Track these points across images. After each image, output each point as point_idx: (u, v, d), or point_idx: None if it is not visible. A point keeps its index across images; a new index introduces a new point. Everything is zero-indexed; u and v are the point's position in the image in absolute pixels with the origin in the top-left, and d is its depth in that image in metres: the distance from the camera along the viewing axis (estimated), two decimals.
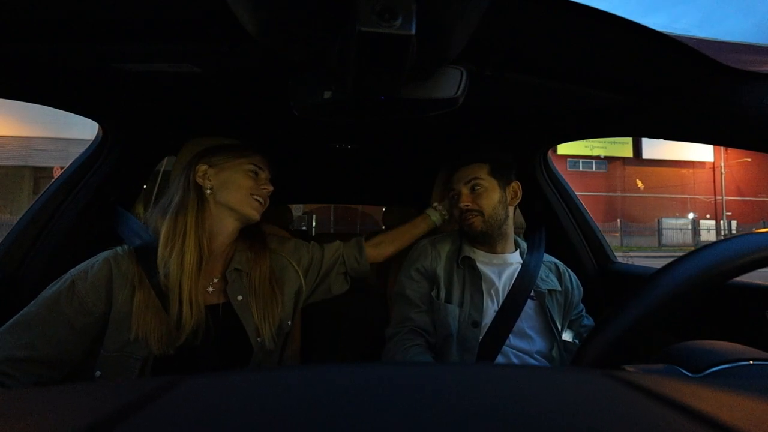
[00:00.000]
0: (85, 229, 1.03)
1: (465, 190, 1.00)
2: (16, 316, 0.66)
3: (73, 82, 0.82)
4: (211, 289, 0.79)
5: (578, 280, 1.04)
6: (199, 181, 0.81)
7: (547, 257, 1.04)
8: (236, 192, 0.81)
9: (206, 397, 0.21)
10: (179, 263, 0.72)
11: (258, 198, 0.84)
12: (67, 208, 1.00)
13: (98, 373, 0.68)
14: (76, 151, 1.12)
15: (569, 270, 1.04)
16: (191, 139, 0.98)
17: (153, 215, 0.81)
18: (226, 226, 0.82)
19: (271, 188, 0.87)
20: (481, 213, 0.98)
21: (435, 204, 1.14)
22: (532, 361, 0.90)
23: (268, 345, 0.78)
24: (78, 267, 0.73)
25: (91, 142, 1.10)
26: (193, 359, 0.71)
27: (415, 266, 1.00)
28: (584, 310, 1.02)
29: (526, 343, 0.91)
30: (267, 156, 0.90)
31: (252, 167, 0.85)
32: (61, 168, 1.15)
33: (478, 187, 0.99)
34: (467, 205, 0.99)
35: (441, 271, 0.98)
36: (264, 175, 0.87)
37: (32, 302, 0.68)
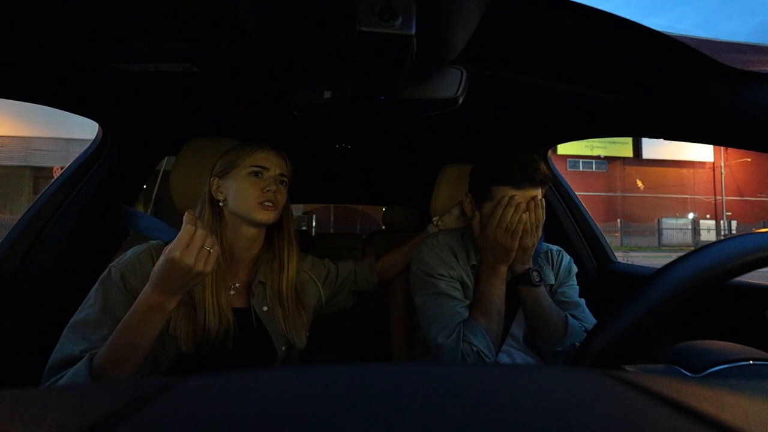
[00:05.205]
0: (85, 229, 1.03)
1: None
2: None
3: (73, 82, 0.82)
4: (232, 292, 0.80)
5: (571, 260, 0.99)
6: (215, 194, 0.81)
7: (546, 245, 1.00)
8: (242, 201, 0.79)
9: (206, 397, 0.21)
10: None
11: (267, 204, 0.79)
12: (67, 208, 1.00)
13: None
14: (76, 151, 1.12)
15: (564, 252, 1.00)
16: (191, 139, 0.97)
17: None
18: (243, 233, 0.81)
19: (274, 188, 0.81)
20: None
21: (435, 219, 1.12)
22: (531, 362, 0.90)
23: (298, 349, 0.82)
24: (122, 264, 0.71)
25: (91, 142, 1.10)
26: (219, 362, 0.73)
27: (443, 268, 0.91)
28: (584, 302, 0.99)
29: (524, 345, 0.91)
30: (276, 148, 0.84)
31: (252, 168, 0.80)
32: (61, 168, 1.15)
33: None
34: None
35: (461, 273, 0.92)
36: (270, 173, 0.82)
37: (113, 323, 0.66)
